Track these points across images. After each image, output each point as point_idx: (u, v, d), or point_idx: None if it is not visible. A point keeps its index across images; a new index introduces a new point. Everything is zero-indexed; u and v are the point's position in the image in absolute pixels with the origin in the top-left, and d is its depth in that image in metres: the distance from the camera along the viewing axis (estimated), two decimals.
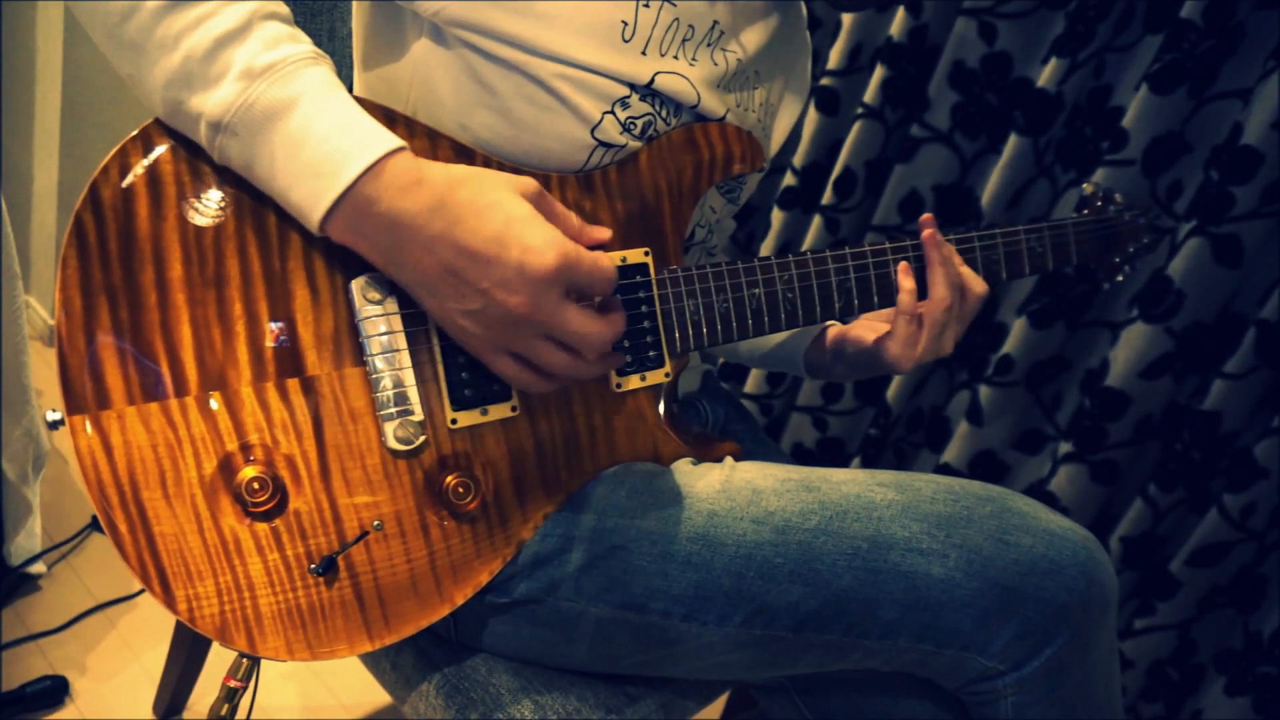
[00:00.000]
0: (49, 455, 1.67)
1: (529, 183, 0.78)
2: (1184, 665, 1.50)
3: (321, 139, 0.73)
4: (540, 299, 0.74)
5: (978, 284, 1.03)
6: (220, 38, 0.73)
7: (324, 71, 0.76)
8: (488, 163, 0.88)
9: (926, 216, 1.01)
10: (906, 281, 1.00)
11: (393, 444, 0.82)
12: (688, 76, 0.91)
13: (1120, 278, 1.22)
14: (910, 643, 0.87)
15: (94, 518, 1.87)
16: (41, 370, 2.15)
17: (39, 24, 2.08)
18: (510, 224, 0.74)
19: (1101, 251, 1.18)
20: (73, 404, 0.75)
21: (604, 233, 0.86)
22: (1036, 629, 0.86)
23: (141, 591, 1.74)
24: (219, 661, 1.55)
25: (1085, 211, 1.20)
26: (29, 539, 1.67)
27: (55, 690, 1.52)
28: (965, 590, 0.85)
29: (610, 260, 0.80)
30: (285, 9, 0.78)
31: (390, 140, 0.75)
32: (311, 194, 0.74)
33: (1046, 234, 1.12)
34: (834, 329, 1.11)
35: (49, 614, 1.67)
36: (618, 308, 0.83)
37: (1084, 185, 1.24)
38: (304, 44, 0.77)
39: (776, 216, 1.87)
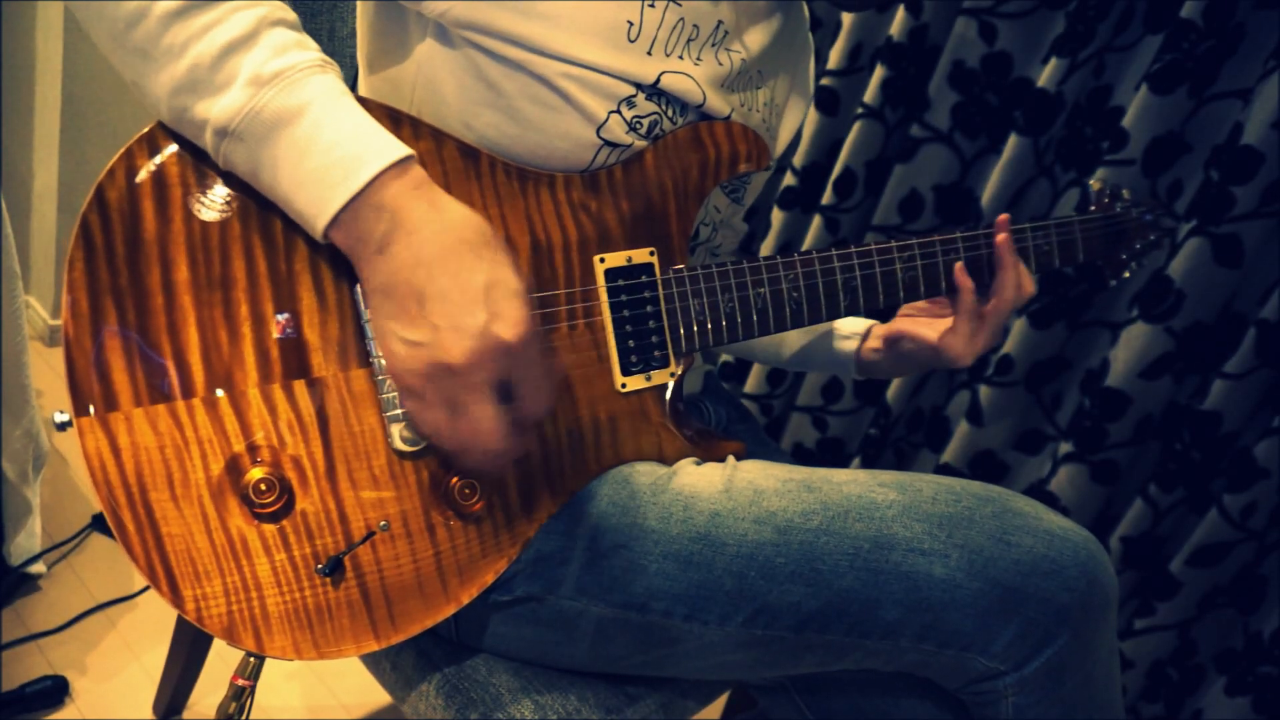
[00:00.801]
0: (49, 455, 1.67)
1: (520, 269, 0.77)
2: (1184, 665, 1.50)
3: (329, 147, 0.73)
4: (478, 363, 0.72)
5: (1031, 283, 1.07)
6: (228, 44, 0.73)
7: (332, 79, 0.76)
8: (493, 163, 0.88)
9: (1003, 218, 1.05)
10: (966, 281, 1.04)
11: (399, 444, 0.82)
12: (693, 76, 0.92)
13: (1127, 274, 1.22)
14: (911, 643, 0.87)
15: (94, 517, 1.87)
16: (42, 370, 2.15)
17: (39, 24, 2.08)
18: (497, 286, 0.73)
19: (1108, 249, 1.19)
20: (80, 405, 0.75)
21: (563, 361, 0.87)
22: (1037, 629, 0.86)
23: (142, 591, 1.74)
24: (219, 661, 1.55)
25: (1092, 208, 1.20)
26: (29, 539, 1.67)
27: (55, 690, 1.52)
28: (966, 591, 0.85)
29: (552, 391, 0.79)
30: (293, 15, 0.78)
31: (398, 148, 0.75)
32: (316, 201, 0.74)
33: (1053, 231, 1.12)
34: (882, 329, 1.15)
35: (49, 614, 1.67)
36: (528, 435, 0.81)
37: (1091, 181, 1.24)
38: (312, 51, 0.76)
39: (776, 216, 1.88)
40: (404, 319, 0.74)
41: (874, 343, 1.16)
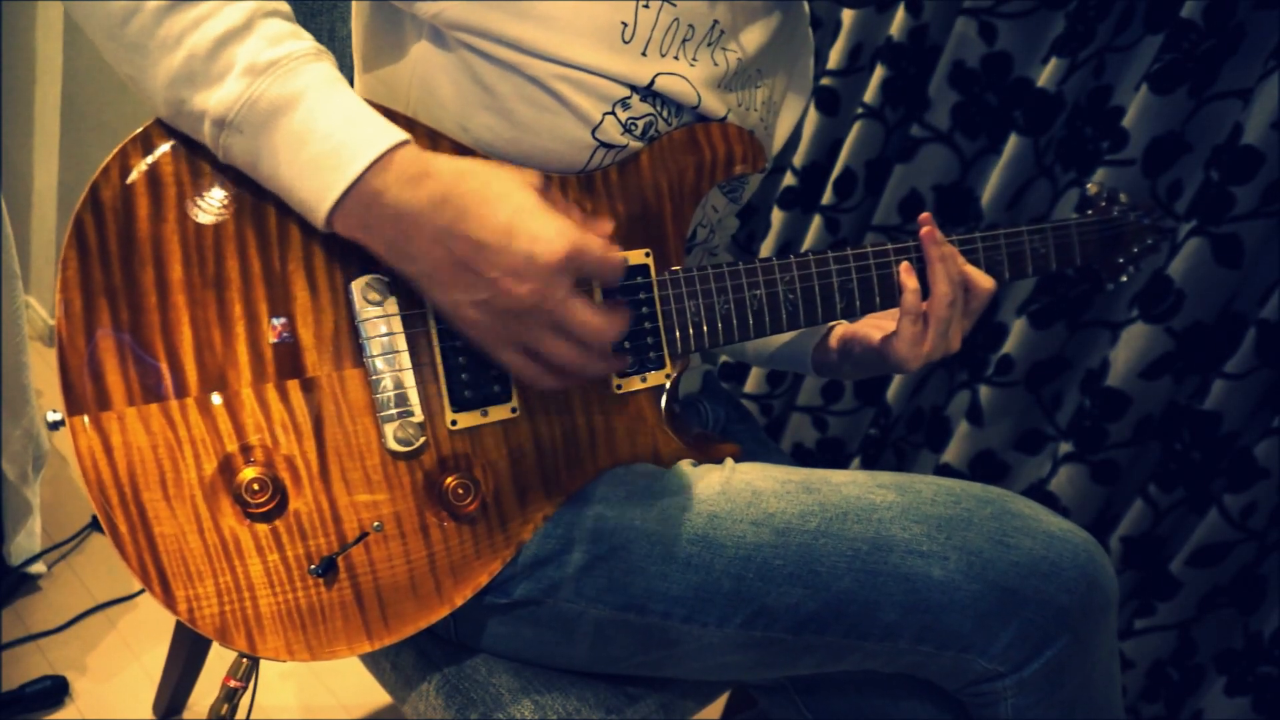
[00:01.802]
0: (49, 455, 1.67)
1: (534, 174, 0.78)
2: (1184, 665, 1.50)
3: (326, 134, 0.74)
4: (549, 288, 0.74)
5: (983, 279, 1.02)
6: (222, 36, 0.73)
7: (327, 67, 0.76)
8: None
9: (925, 215, 1.01)
10: (910, 281, 1.00)
11: (392, 445, 0.82)
12: (688, 77, 0.91)
13: (1124, 278, 1.22)
14: (910, 644, 0.87)
15: (94, 518, 1.87)
16: (41, 370, 2.15)
17: (39, 24, 2.08)
18: (519, 214, 0.74)
19: (1105, 252, 1.18)
20: (73, 405, 0.75)
21: (607, 225, 0.84)
22: (1037, 631, 0.86)
23: (141, 591, 1.74)
24: (219, 662, 1.55)
25: (1089, 211, 1.20)
26: (29, 539, 1.67)
27: (55, 690, 1.52)
28: (965, 592, 0.85)
29: (617, 251, 0.79)
30: (286, 7, 0.78)
31: (395, 133, 0.75)
32: (318, 189, 0.74)
33: (1050, 234, 1.12)
34: (840, 328, 1.11)
35: (49, 614, 1.67)
36: (623, 305, 0.83)
37: (1088, 185, 1.23)
38: (306, 40, 0.77)
39: (776, 216, 1.87)
40: (461, 286, 0.75)
41: (831, 343, 1.12)
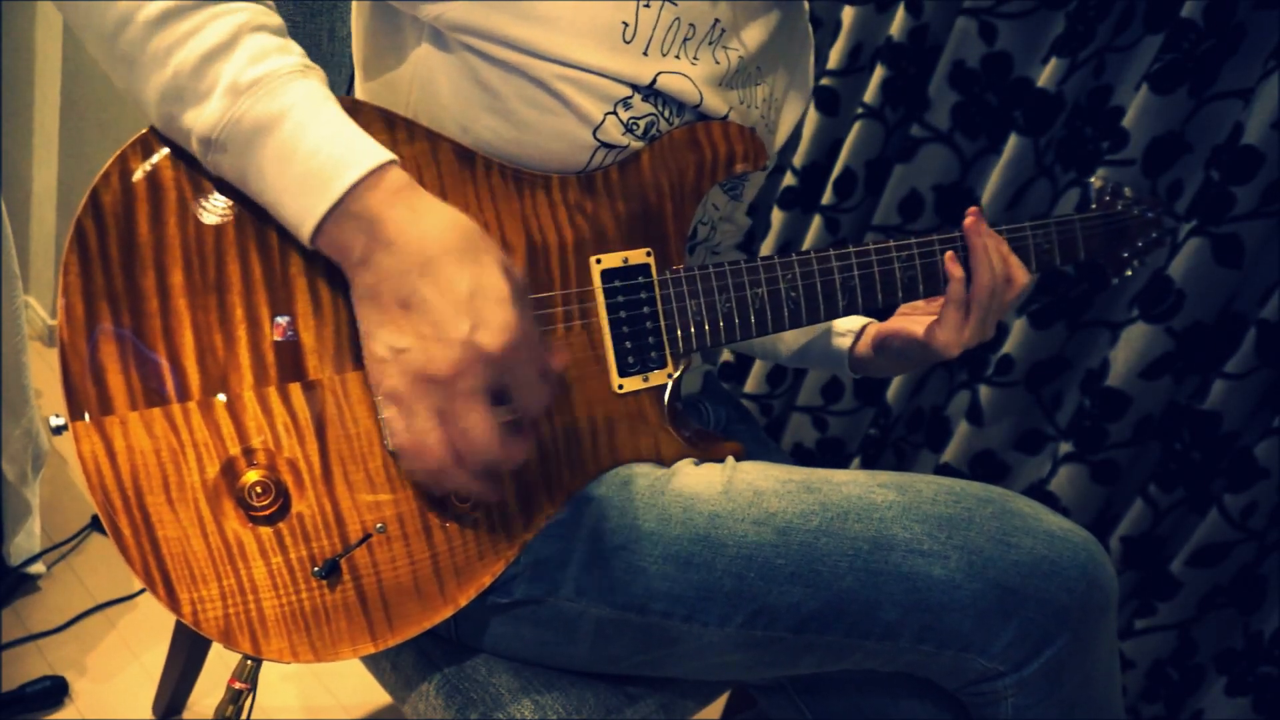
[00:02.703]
0: (48, 455, 1.67)
1: (514, 266, 0.76)
2: (1184, 665, 1.50)
3: (310, 153, 0.73)
4: (466, 372, 0.72)
5: (1021, 271, 1.06)
6: (207, 53, 0.72)
7: (312, 84, 0.76)
8: (489, 165, 0.88)
9: (973, 209, 1.04)
10: (956, 270, 1.03)
11: (395, 448, 0.82)
12: (690, 76, 0.91)
13: (1129, 272, 1.22)
14: (911, 644, 0.87)
15: (94, 518, 1.87)
16: (41, 370, 2.15)
17: (39, 24, 2.08)
18: (482, 292, 0.72)
19: (1110, 246, 1.19)
20: (76, 409, 0.75)
21: (560, 358, 0.82)
22: (1037, 630, 0.86)
23: (141, 592, 1.74)
24: (219, 662, 1.55)
25: (1093, 206, 1.20)
26: (29, 539, 1.67)
27: (55, 690, 1.52)
28: (966, 591, 0.85)
29: (549, 389, 0.78)
30: (277, 20, 0.77)
31: (379, 154, 0.74)
32: (301, 208, 0.74)
33: (1054, 229, 1.12)
34: (873, 328, 1.15)
35: (49, 614, 1.67)
36: (526, 439, 0.80)
37: (1092, 179, 1.23)
38: (293, 56, 0.76)
39: (776, 216, 1.88)
40: (390, 327, 0.74)
41: (866, 341, 1.16)
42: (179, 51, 0.72)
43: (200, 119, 0.73)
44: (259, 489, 0.77)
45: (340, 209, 0.73)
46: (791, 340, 1.23)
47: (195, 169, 0.78)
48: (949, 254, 1.04)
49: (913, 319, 1.10)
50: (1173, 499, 1.45)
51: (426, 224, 0.73)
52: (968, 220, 1.04)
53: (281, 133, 0.73)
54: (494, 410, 0.74)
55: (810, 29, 1.13)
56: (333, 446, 0.81)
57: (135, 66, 0.74)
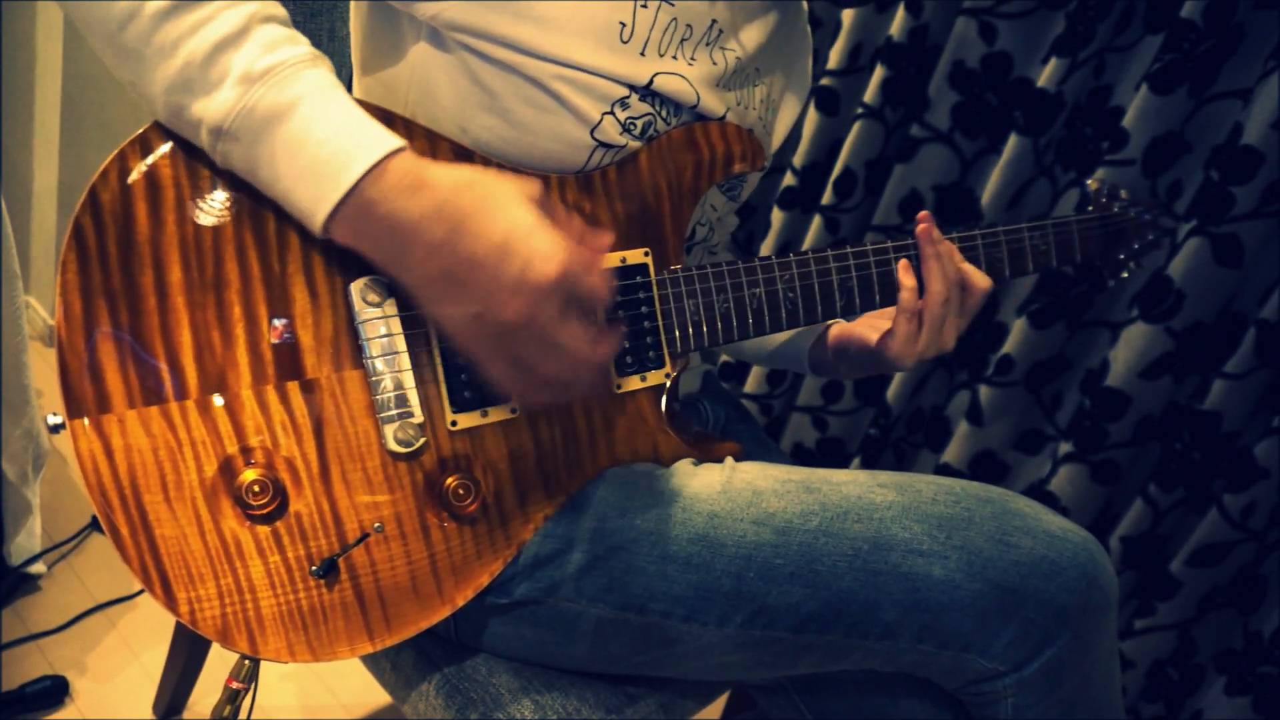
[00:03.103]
0: (49, 455, 1.67)
1: (533, 186, 0.77)
2: (1184, 665, 1.50)
3: (322, 141, 0.73)
4: (539, 308, 0.73)
5: (980, 278, 1.02)
6: (218, 43, 0.73)
7: (323, 73, 0.76)
8: (487, 164, 0.88)
9: (923, 214, 1.01)
10: (908, 279, 1.00)
11: (393, 446, 0.82)
12: (687, 76, 0.91)
13: (1125, 274, 1.22)
14: (911, 644, 0.87)
15: (94, 518, 1.87)
16: (42, 370, 2.15)
17: (39, 24, 2.08)
18: (514, 231, 0.73)
19: (1106, 248, 1.18)
20: (73, 407, 0.75)
21: (606, 238, 0.83)
22: (1037, 630, 0.86)
23: (141, 591, 1.74)
24: (219, 662, 1.55)
25: (1090, 208, 1.20)
26: (29, 539, 1.67)
27: (55, 690, 1.53)
28: (966, 592, 0.85)
29: (609, 275, 0.79)
30: (283, 11, 0.78)
31: (391, 141, 0.75)
32: (314, 197, 0.74)
33: (1050, 231, 1.12)
34: (837, 327, 1.11)
35: (49, 614, 1.67)
36: (619, 323, 0.83)
37: (1089, 181, 1.23)
38: (302, 46, 0.76)
39: (776, 216, 1.87)
40: (452, 299, 0.75)
41: (827, 342, 1.12)
42: (189, 42, 0.73)
43: (211, 108, 0.73)
44: (256, 488, 0.78)
45: (354, 196, 0.74)
46: (775, 340, 1.21)
47: (194, 167, 0.78)
48: (902, 262, 1.01)
49: (870, 324, 1.07)
50: (1173, 499, 1.45)
51: (440, 193, 0.74)
52: (919, 228, 1.01)
53: (293, 121, 0.73)
54: (574, 325, 0.75)
55: (809, 31, 1.13)
56: (330, 445, 0.81)
57: (141, 59, 0.74)
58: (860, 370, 1.10)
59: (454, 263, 0.74)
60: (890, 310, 1.05)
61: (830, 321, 1.13)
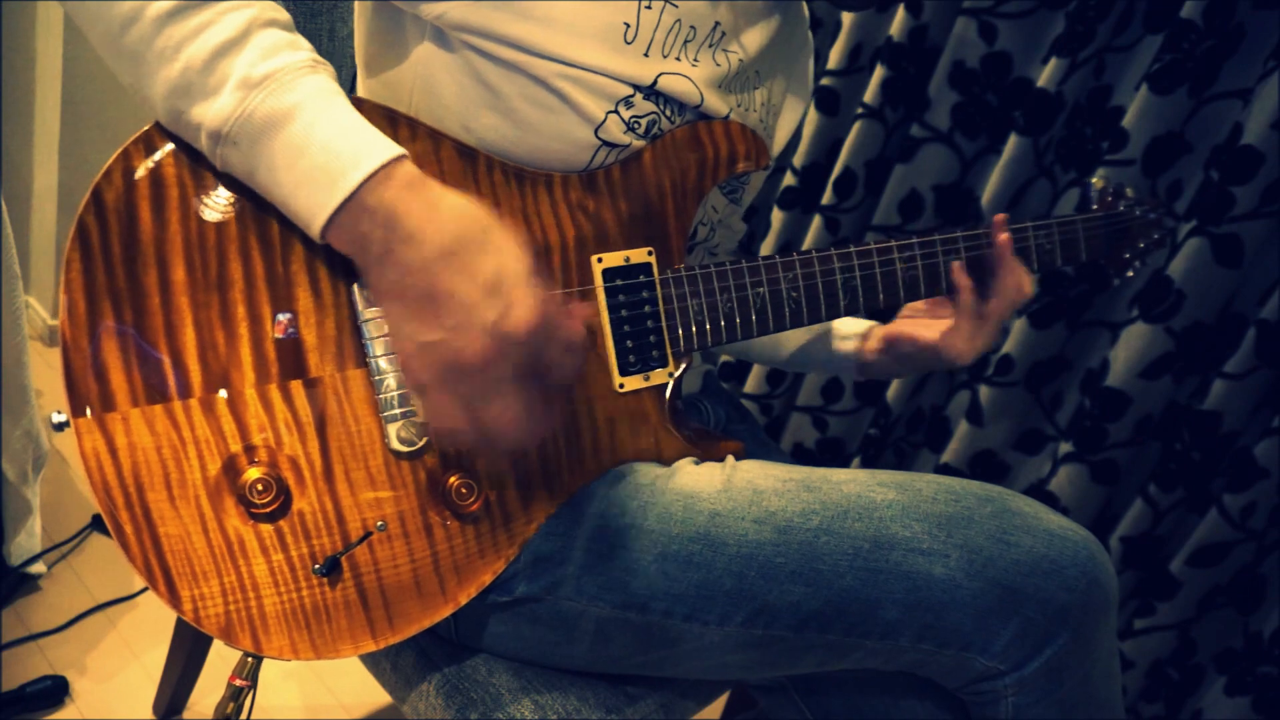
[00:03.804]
0: (49, 455, 1.67)
1: (527, 242, 0.76)
2: (1184, 665, 1.50)
3: (321, 147, 0.73)
4: (500, 358, 0.72)
5: (1029, 279, 1.07)
6: (218, 47, 0.73)
7: (323, 79, 0.76)
8: (490, 164, 0.88)
9: (1001, 217, 1.06)
10: (964, 279, 1.05)
11: (395, 445, 0.82)
12: (690, 77, 0.92)
13: (1130, 273, 1.22)
14: (911, 643, 0.87)
15: (94, 518, 1.87)
16: (41, 370, 2.15)
17: (39, 24, 2.08)
18: (504, 273, 0.72)
19: (1111, 247, 1.19)
20: (77, 406, 0.75)
21: (586, 317, 0.81)
22: (1037, 629, 0.86)
23: (141, 591, 1.74)
24: (219, 661, 1.55)
25: (1095, 206, 1.20)
26: (29, 539, 1.67)
27: (55, 690, 1.52)
28: (966, 590, 0.85)
29: (582, 357, 0.78)
30: (285, 15, 0.78)
31: (391, 148, 0.74)
32: (312, 203, 0.74)
33: (1055, 230, 1.12)
34: (880, 330, 1.15)
35: (49, 614, 1.67)
36: (554, 414, 0.80)
37: (1093, 180, 1.23)
38: (303, 51, 0.76)
39: (776, 216, 1.88)
40: (417, 321, 0.73)
41: (874, 344, 1.16)
42: (189, 46, 0.72)
43: (210, 113, 0.73)
44: (260, 486, 0.78)
45: (353, 202, 0.73)
46: (792, 343, 1.23)
47: (198, 166, 0.78)
48: (956, 264, 1.05)
49: (922, 322, 1.11)
50: (1172, 499, 1.45)
51: (444, 216, 0.73)
52: (1002, 237, 1.05)
53: (293, 127, 0.73)
54: (525, 386, 0.74)
55: (810, 35, 1.13)
56: (334, 444, 0.81)
57: (142, 62, 0.74)
58: (911, 369, 1.15)
59: (434, 287, 0.72)
60: (919, 305, 1.12)
61: (870, 323, 1.17)
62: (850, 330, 1.18)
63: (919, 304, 1.12)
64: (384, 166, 0.73)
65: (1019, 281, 1.05)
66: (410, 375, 0.75)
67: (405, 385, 0.80)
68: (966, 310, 1.05)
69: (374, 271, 0.76)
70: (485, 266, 0.72)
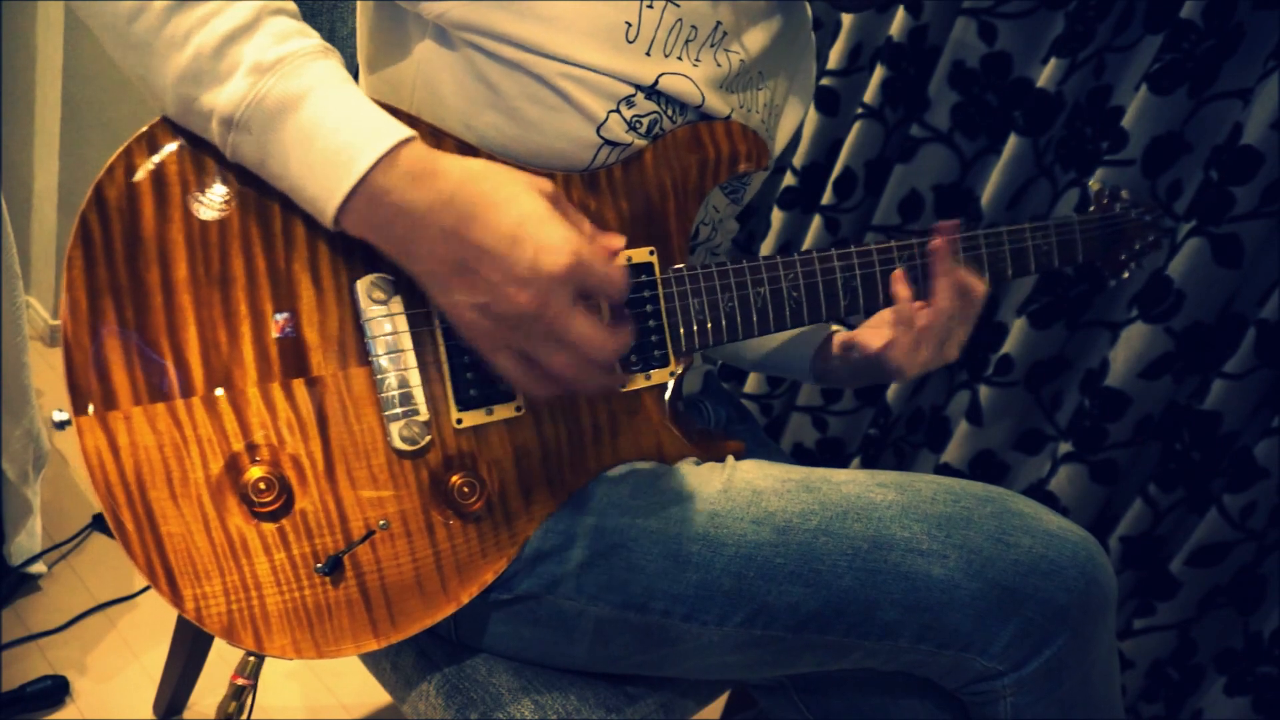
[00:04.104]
0: (49, 455, 1.67)
1: (545, 181, 0.78)
2: (1184, 665, 1.50)
3: (333, 130, 0.74)
4: (549, 298, 0.73)
5: (977, 284, 1.02)
6: (229, 33, 0.73)
7: (333, 65, 0.76)
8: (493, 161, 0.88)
9: (944, 225, 1.01)
10: (903, 290, 1.00)
11: (398, 444, 0.82)
12: (692, 77, 0.92)
13: (1126, 275, 1.22)
14: (910, 643, 0.87)
15: (94, 518, 1.87)
16: (42, 370, 2.15)
17: (39, 24, 2.08)
18: (525, 220, 0.73)
19: (1107, 248, 1.19)
20: (79, 404, 0.75)
21: (618, 240, 0.83)
22: (1036, 630, 0.86)
23: (142, 591, 1.74)
24: (219, 661, 1.55)
25: (1091, 208, 1.20)
26: (29, 539, 1.67)
27: (55, 690, 1.52)
28: (965, 591, 0.85)
29: (623, 268, 0.79)
30: (292, 5, 0.78)
31: (401, 130, 0.75)
32: (325, 187, 0.74)
33: (1053, 231, 1.12)
34: (841, 335, 1.10)
35: (49, 614, 1.67)
36: (627, 320, 0.82)
37: (1090, 182, 1.24)
38: (313, 38, 0.77)
39: (776, 216, 1.88)
40: (462, 288, 0.75)
41: (832, 349, 1.10)
42: (199, 33, 0.73)
43: (221, 98, 0.73)
44: (262, 485, 0.78)
45: (365, 185, 0.74)
46: (756, 345, 1.21)
47: (200, 163, 0.78)
48: (896, 273, 1.00)
49: (875, 331, 1.04)
50: (1172, 499, 1.45)
51: (453, 182, 0.74)
52: (937, 243, 1.00)
53: (305, 111, 0.73)
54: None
55: (812, 36, 1.13)
56: (336, 443, 0.81)
57: (151, 52, 0.74)
58: (862, 379, 1.09)
59: (464, 251, 0.74)
60: (891, 314, 1.04)
61: (832, 327, 1.14)
62: (817, 334, 1.14)
63: (887, 312, 1.06)
64: (396, 147, 0.74)
65: (956, 289, 1.00)
66: (480, 343, 0.77)
67: (479, 354, 0.80)
68: (904, 321, 0.99)
69: (402, 253, 0.77)
70: (506, 219, 0.73)
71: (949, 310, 1.00)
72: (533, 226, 0.73)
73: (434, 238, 0.74)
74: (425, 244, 0.75)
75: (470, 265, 0.74)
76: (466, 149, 0.87)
